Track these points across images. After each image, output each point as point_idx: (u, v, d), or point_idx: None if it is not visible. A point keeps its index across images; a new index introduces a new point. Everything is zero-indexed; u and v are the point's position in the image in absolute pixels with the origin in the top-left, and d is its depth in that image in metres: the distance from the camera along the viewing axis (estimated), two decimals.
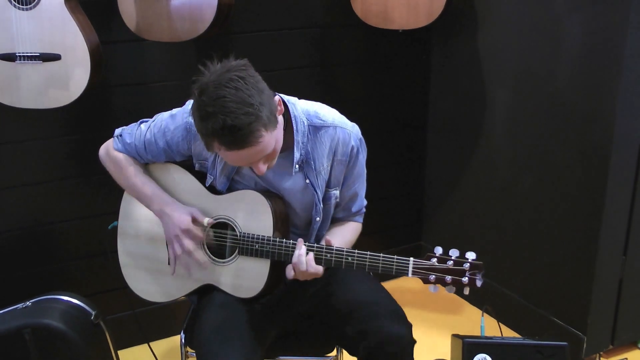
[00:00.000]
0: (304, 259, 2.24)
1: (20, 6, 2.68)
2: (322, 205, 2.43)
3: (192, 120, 2.29)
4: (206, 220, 2.37)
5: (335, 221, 2.56)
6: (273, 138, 2.13)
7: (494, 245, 3.74)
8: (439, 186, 4.15)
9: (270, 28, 3.50)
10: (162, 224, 2.42)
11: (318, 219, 2.44)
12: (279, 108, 2.17)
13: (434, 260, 2.18)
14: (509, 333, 3.58)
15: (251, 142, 2.05)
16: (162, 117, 2.43)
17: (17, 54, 2.72)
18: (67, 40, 2.74)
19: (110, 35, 3.10)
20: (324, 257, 2.26)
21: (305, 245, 2.27)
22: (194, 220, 2.37)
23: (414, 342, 2.34)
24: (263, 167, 2.18)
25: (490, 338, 2.85)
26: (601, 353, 3.42)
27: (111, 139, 2.52)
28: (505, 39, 3.49)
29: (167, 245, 2.45)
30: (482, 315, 3.02)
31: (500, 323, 3.26)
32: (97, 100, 3.19)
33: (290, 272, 2.28)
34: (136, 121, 2.51)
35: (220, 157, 2.35)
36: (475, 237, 3.89)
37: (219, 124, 2.00)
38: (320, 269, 2.26)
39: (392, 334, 2.28)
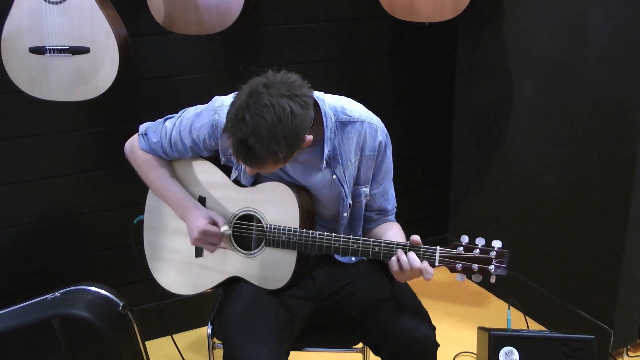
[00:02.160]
0: (394, 261, 2.22)
1: (50, 0, 2.70)
2: (350, 201, 2.42)
3: (220, 119, 2.30)
4: (223, 229, 2.38)
5: (376, 226, 2.55)
6: (278, 167, 2.19)
7: (520, 238, 3.73)
8: (465, 179, 4.15)
9: (297, 21, 3.50)
10: (187, 228, 2.44)
11: (345, 214, 2.43)
12: (300, 146, 2.16)
13: (461, 248, 2.19)
14: (535, 326, 3.57)
15: (255, 164, 2.11)
16: (188, 115, 2.42)
17: (46, 47, 2.74)
18: (96, 33, 2.76)
19: (139, 28, 3.13)
20: (350, 246, 2.27)
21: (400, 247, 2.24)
22: (214, 223, 2.39)
23: (437, 345, 2.34)
24: (250, 171, 2.27)
25: (517, 331, 2.85)
26: (628, 347, 3.40)
27: (136, 135, 2.52)
28: (532, 31, 3.48)
29: None
30: (509, 308, 3.02)
31: (526, 316, 3.25)
32: (125, 93, 3.21)
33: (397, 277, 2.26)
34: (163, 114, 2.52)
35: None
36: (501, 230, 3.88)
37: (241, 134, 2.02)
38: (426, 266, 2.19)
39: (416, 337, 2.28)
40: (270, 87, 2.04)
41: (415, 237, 2.21)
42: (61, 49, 2.75)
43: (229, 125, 2.06)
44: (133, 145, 2.52)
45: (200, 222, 2.36)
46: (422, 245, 2.20)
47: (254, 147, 2.01)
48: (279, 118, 2.01)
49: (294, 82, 2.09)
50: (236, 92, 2.14)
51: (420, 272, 2.18)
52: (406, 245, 2.21)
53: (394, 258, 2.21)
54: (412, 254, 2.19)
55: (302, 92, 2.09)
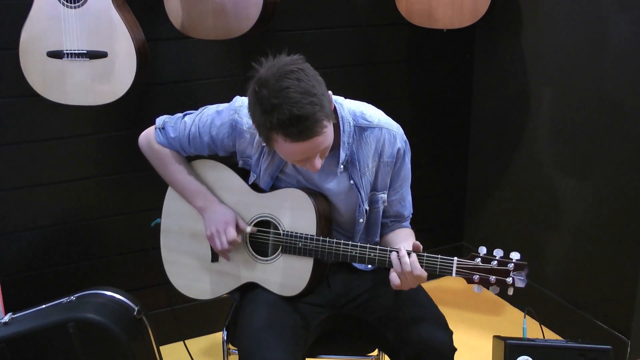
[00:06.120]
0: (407, 260, 2.19)
1: (69, 4, 2.71)
2: (366, 207, 2.42)
3: (240, 119, 2.32)
4: (249, 229, 2.38)
5: (390, 231, 2.54)
6: (331, 130, 2.13)
7: (536, 246, 3.72)
8: (482, 186, 4.13)
9: (315, 27, 3.51)
10: (204, 219, 2.43)
11: (361, 220, 2.43)
12: (332, 102, 2.17)
13: (478, 260, 2.17)
14: (551, 335, 3.56)
15: (317, 132, 2.05)
16: (208, 112, 2.43)
17: (64, 52, 2.75)
18: (113, 37, 2.76)
19: (156, 32, 3.13)
20: (367, 255, 2.26)
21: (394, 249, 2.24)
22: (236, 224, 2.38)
23: (455, 350, 2.33)
24: (319, 163, 2.16)
25: (533, 340, 2.83)
26: None
27: (152, 128, 2.52)
28: (551, 38, 3.47)
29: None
30: (525, 317, 3.00)
31: (542, 325, 3.23)
32: (142, 98, 3.22)
33: (395, 281, 2.21)
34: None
35: (265, 156, 2.35)
36: (518, 238, 3.87)
37: (285, 114, 1.99)
38: (423, 272, 2.19)
39: (433, 342, 2.27)
40: (268, 71, 2.06)
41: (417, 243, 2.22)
42: (79, 53, 2.76)
43: (267, 125, 2.05)
44: (149, 139, 2.52)
45: (228, 218, 2.36)
46: (440, 256, 2.19)
47: (301, 113, 2.00)
48: (296, 78, 2.02)
49: (282, 59, 2.10)
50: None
51: (422, 276, 2.18)
52: (423, 255, 2.20)
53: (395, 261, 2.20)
54: (414, 258, 2.19)
55: (292, 58, 2.10)
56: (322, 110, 2.04)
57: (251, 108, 2.10)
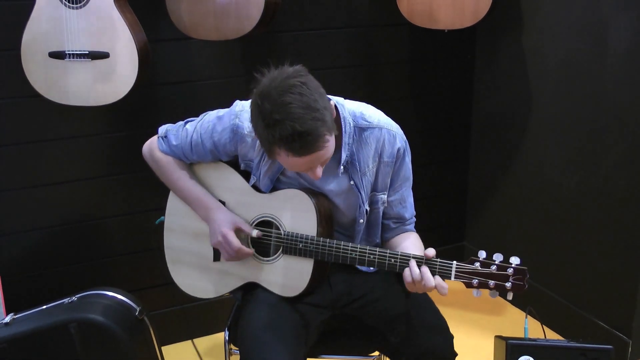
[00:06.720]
0: (407, 273, 2.19)
1: (71, 5, 2.71)
2: (367, 207, 2.41)
3: (241, 123, 2.31)
4: (255, 232, 2.37)
5: (394, 235, 2.53)
6: (333, 142, 2.13)
7: (538, 246, 3.72)
8: (483, 186, 4.13)
9: (316, 27, 3.50)
10: (209, 228, 2.43)
11: (362, 220, 2.42)
12: (334, 112, 2.17)
13: (477, 264, 2.16)
14: (552, 335, 3.55)
15: (319, 147, 2.05)
16: (209, 118, 2.42)
17: (66, 52, 2.75)
18: (115, 38, 2.76)
19: (158, 33, 3.13)
20: (367, 258, 2.26)
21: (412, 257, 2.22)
22: (238, 230, 2.37)
23: (455, 354, 2.33)
24: (320, 171, 2.17)
25: (534, 340, 2.83)
26: None
27: (155, 138, 2.52)
28: (552, 38, 3.47)
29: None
30: (526, 317, 3.00)
31: (543, 325, 3.24)
32: (144, 98, 3.22)
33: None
34: (182, 119, 2.51)
35: (265, 159, 2.35)
36: (519, 238, 3.86)
37: (287, 130, 1.99)
38: (440, 282, 2.18)
39: (433, 347, 2.28)
40: (270, 84, 2.05)
41: (430, 252, 2.20)
42: (81, 54, 2.76)
43: (269, 139, 2.05)
44: (152, 148, 2.52)
45: (224, 228, 2.35)
46: (439, 260, 2.19)
47: (304, 129, 2.00)
48: (299, 93, 2.02)
49: (284, 71, 2.09)
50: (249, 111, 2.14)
51: (432, 288, 2.17)
52: (422, 259, 2.20)
53: (407, 270, 2.19)
54: (425, 269, 2.17)
55: (295, 70, 2.09)
56: (324, 125, 2.04)
57: (254, 120, 2.10)
